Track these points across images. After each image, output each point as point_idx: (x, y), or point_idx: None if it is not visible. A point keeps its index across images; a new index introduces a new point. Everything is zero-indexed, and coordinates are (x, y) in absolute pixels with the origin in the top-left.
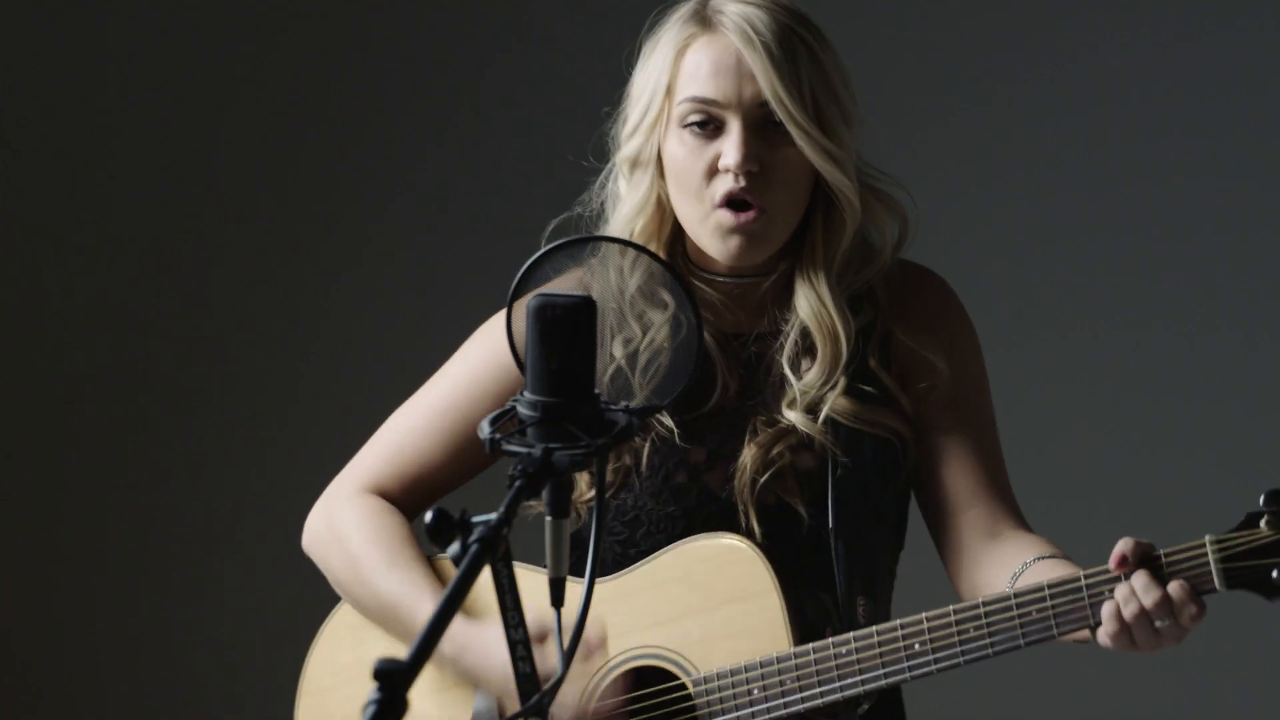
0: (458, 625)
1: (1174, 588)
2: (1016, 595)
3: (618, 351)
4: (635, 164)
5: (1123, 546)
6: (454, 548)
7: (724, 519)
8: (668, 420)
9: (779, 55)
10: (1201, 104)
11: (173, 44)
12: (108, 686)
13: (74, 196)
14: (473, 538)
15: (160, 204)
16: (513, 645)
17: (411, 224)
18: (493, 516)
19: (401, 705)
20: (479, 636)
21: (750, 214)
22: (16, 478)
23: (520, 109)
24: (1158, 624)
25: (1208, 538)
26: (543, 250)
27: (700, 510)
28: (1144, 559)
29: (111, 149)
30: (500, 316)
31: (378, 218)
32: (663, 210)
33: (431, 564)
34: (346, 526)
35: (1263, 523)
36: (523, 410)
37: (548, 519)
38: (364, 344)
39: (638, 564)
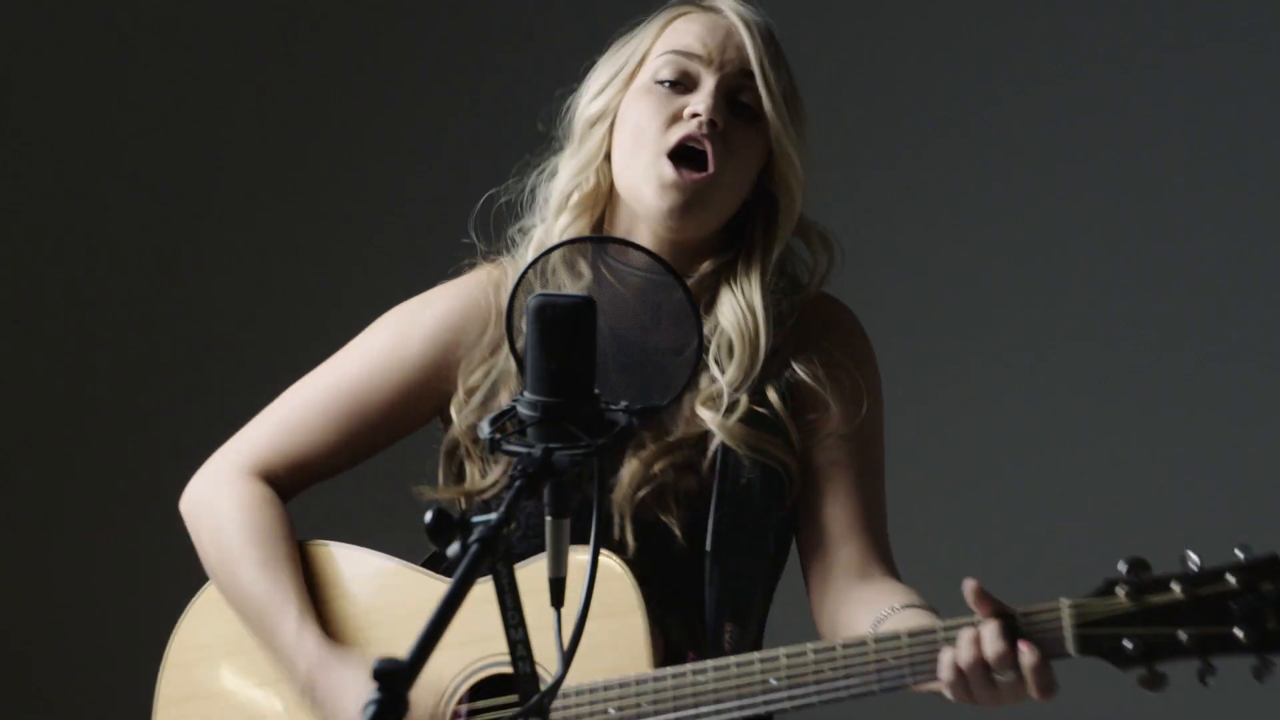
0: (325, 647)
1: (1023, 646)
2: (876, 640)
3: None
4: (592, 123)
5: (974, 582)
6: (454, 548)
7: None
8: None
9: (770, 41)
10: (1192, 115)
11: (173, 44)
12: (108, 686)
13: (74, 197)
14: (473, 538)
15: (160, 205)
16: (513, 645)
17: (414, 227)
18: (493, 517)
19: (402, 705)
20: (338, 671)
21: (701, 175)
22: (17, 477)
23: (523, 110)
24: (998, 678)
25: (1063, 601)
26: (544, 250)
27: (577, 519)
28: (998, 612)
29: (110, 149)
30: (415, 301)
31: (379, 219)
32: (602, 176)
33: (303, 548)
34: (225, 513)
35: (1121, 591)
36: (523, 410)
37: (548, 519)
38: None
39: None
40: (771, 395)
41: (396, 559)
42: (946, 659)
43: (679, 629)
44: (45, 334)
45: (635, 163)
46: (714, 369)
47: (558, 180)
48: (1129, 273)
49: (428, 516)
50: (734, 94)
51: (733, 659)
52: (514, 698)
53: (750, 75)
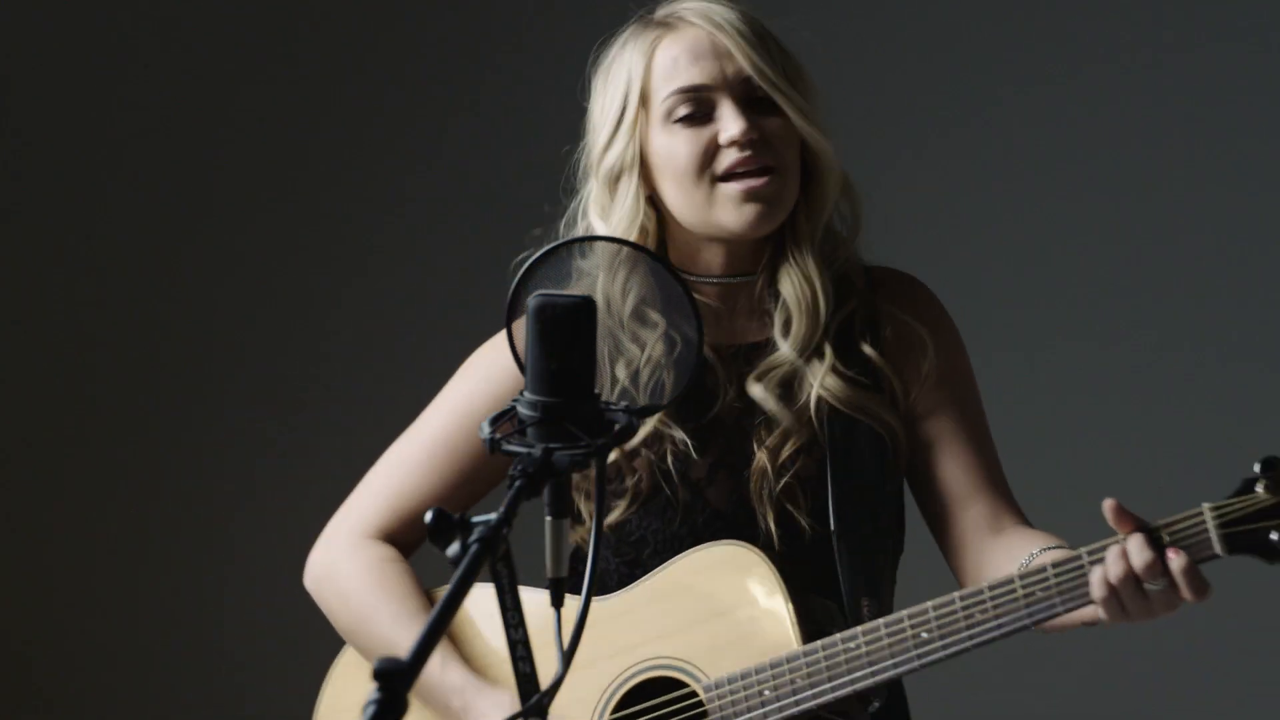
0: (473, 679)
1: (1170, 553)
2: (1022, 577)
3: (620, 374)
4: (616, 176)
5: (1112, 501)
6: (454, 548)
7: (729, 533)
8: (680, 433)
9: (749, 33)
10: (1192, 115)
11: (173, 44)
12: (108, 687)
13: (74, 197)
14: (473, 538)
15: (160, 205)
16: (513, 645)
17: (414, 227)
18: (493, 516)
19: (402, 705)
20: (490, 697)
21: (763, 179)
22: (17, 478)
23: (523, 112)
24: (1148, 586)
25: (1205, 505)
26: (542, 250)
27: (707, 527)
28: (1140, 527)
29: (109, 150)
30: (487, 346)
31: (380, 221)
32: (651, 216)
33: (430, 596)
34: (350, 581)
35: (1259, 487)
36: (523, 410)
37: (548, 519)
38: (366, 346)
39: (642, 579)
40: (867, 349)
41: (521, 588)
42: (1098, 577)
43: (820, 611)
44: (45, 334)
45: (694, 198)
46: (779, 341)
47: (610, 230)
48: (1128, 272)
49: (427, 516)
50: (748, 99)
51: (880, 621)
52: (664, 697)
53: (749, 79)
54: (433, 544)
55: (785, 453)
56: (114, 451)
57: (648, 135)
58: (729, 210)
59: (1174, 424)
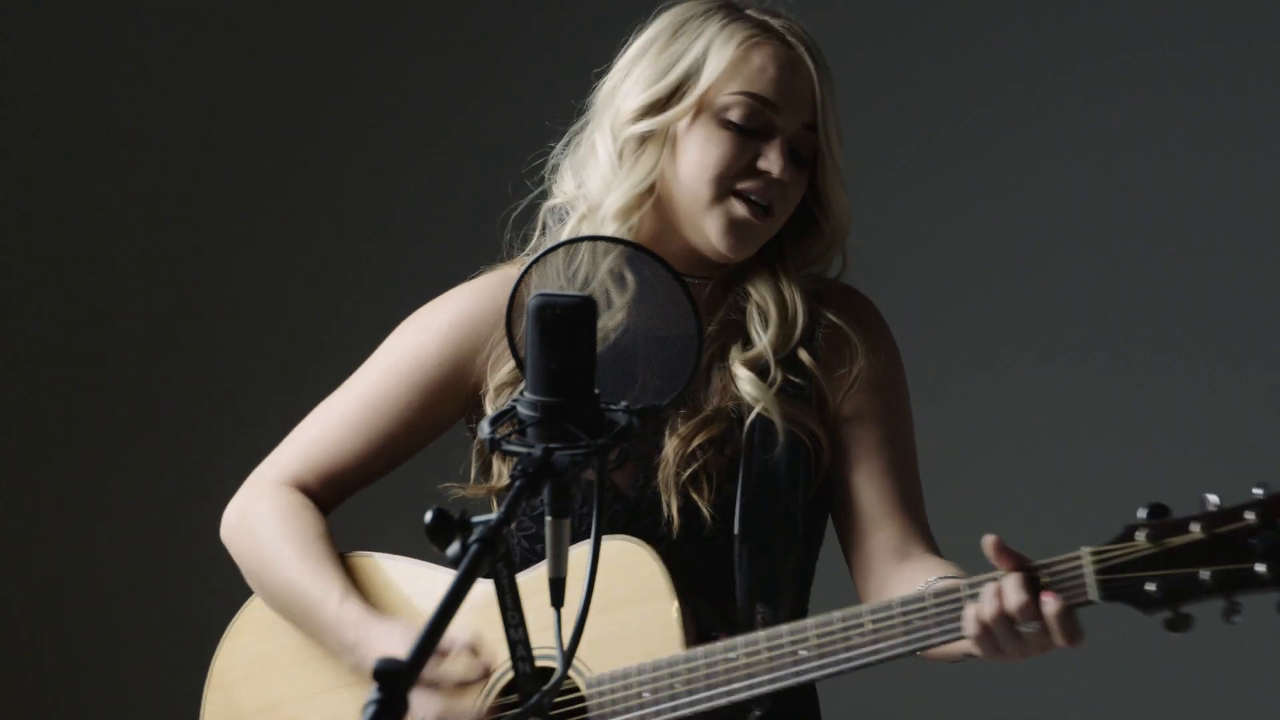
0: (371, 614)
1: (1046, 596)
2: (901, 603)
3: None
4: (642, 140)
5: (993, 538)
6: (454, 548)
7: (632, 517)
8: None
9: (833, 84)
10: (1193, 115)
11: (173, 44)
12: (108, 687)
13: (73, 198)
14: (473, 538)
15: (160, 204)
16: (512, 645)
17: (414, 228)
18: (492, 517)
19: (401, 705)
20: (387, 628)
21: (764, 220)
22: (16, 478)
23: (524, 111)
24: (1022, 629)
25: (1084, 549)
26: (543, 251)
27: (607, 508)
28: (1020, 566)
29: (108, 150)
30: (424, 308)
31: (380, 221)
32: (651, 197)
33: (344, 561)
34: (260, 519)
35: (1142, 535)
36: (523, 410)
37: (548, 519)
38: (365, 342)
39: (537, 564)
40: (803, 356)
41: (432, 565)
42: (970, 614)
43: (710, 612)
44: (45, 334)
45: (700, 195)
46: (754, 335)
47: (614, 189)
48: (1128, 272)
49: (428, 516)
50: (797, 142)
51: (762, 634)
52: (568, 685)
53: (812, 128)
54: (433, 544)
55: (696, 442)
56: (114, 451)
57: (692, 122)
58: (718, 224)
59: (1173, 423)
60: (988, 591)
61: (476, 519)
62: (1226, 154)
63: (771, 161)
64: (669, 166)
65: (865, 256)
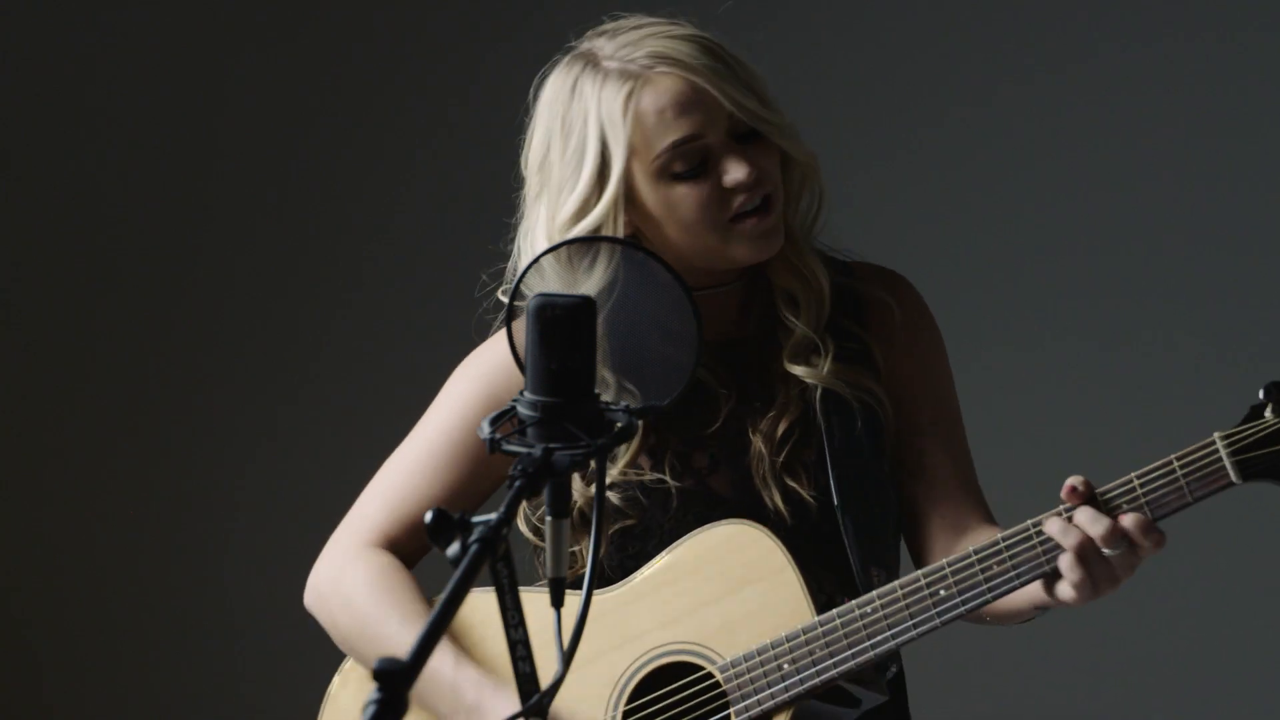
0: (487, 676)
1: (1126, 519)
2: (1035, 525)
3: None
4: (595, 231)
5: (1073, 480)
6: (454, 548)
7: (736, 516)
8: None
9: (719, 67)
10: (1193, 115)
11: (174, 43)
12: (108, 687)
13: (73, 198)
14: (473, 538)
15: (159, 205)
16: (513, 645)
17: (414, 229)
18: (492, 517)
19: (402, 705)
20: (506, 693)
21: (771, 214)
22: (16, 478)
23: (526, 113)
24: (1107, 551)
25: (1216, 434)
26: (543, 251)
27: (711, 514)
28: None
29: (108, 149)
30: (482, 348)
31: (379, 222)
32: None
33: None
34: (353, 586)
35: (1268, 412)
36: (523, 410)
37: (548, 519)
38: (367, 346)
39: (644, 568)
40: (846, 323)
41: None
42: (1059, 528)
43: (830, 584)
44: (45, 334)
45: (706, 242)
46: (789, 321)
47: (584, 288)
48: (1128, 271)
49: (428, 516)
50: (735, 130)
51: (895, 584)
52: (679, 683)
53: (734, 113)
54: (432, 544)
55: (780, 431)
56: (115, 452)
57: (634, 188)
58: (743, 247)
59: (1173, 421)
60: (1082, 516)
61: (476, 519)
62: (1227, 154)
63: (734, 171)
64: (641, 224)
65: (865, 256)
